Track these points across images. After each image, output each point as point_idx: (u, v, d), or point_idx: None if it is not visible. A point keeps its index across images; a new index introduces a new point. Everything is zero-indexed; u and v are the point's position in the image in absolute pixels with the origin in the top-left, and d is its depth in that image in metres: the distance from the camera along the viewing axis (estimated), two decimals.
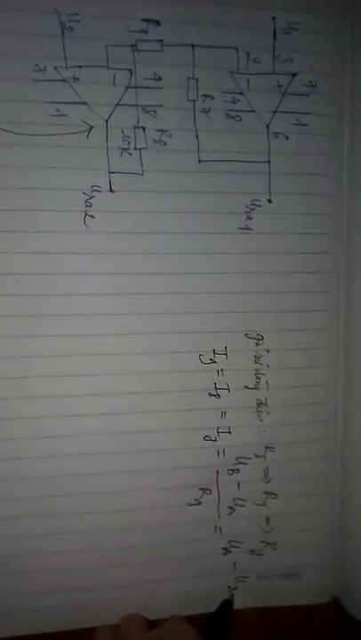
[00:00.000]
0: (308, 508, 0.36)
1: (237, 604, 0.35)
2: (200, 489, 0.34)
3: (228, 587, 0.35)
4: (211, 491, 0.34)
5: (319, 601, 0.36)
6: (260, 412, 0.34)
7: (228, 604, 0.34)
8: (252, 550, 0.35)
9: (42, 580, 0.33)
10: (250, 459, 0.35)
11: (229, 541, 0.35)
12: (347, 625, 0.35)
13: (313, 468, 0.35)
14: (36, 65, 0.30)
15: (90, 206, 0.32)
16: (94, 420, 0.33)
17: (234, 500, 0.35)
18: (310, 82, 0.32)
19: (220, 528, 0.35)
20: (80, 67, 0.31)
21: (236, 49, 0.32)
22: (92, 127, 0.31)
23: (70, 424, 0.32)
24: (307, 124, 0.33)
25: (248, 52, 0.32)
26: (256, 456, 0.35)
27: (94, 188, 0.31)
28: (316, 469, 0.35)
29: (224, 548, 0.35)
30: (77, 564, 0.33)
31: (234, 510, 0.35)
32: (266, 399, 0.34)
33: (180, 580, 0.35)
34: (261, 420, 0.34)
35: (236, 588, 0.35)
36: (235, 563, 0.35)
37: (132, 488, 0.33)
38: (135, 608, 0.34)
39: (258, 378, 0.34)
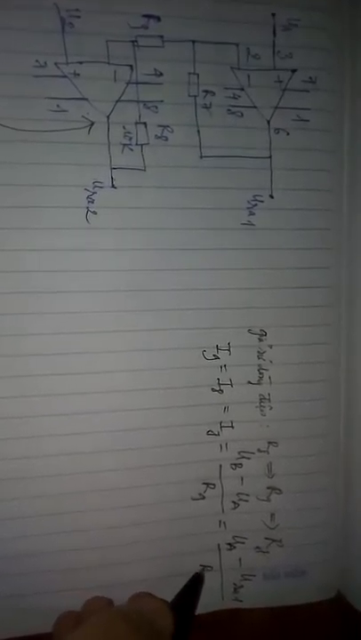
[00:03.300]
0: (312, 504, 0.34)
1: (245, 604, 0.34)
2: (204, 483, 0.33)
3: (201, 565, 0.34)
4: (214, 485, 0.33)
5: (324, 597, 0.35)
6: (263, 407, 0.33)
7: (198, 577, 0.32)
8: (257, 547, 0.34)
9: (43, 580, 0.31)
10: (253, 453, 0.33)
11: (234, 536, 0.34)
12: (352, 619, 0.34)
13: (316, 463, 0.34)
14: (37, 61, 0.29)
15: (92, 202, 0.30)
16: (97, 417, 0.31)
17: (237, 494, 0.34)
18: (310, 78, 0.31)
19: (225, 523, 0.34)
20: (81, 62, 0.29)
21: (237, 45, 0.31)
22: (93, 123, 0.30)
23: (73, 422, 0.31)
24: (307, 120, 0.32)
25: (248, 48, 0.31)
26: (259, 451, 0.33)
27: (96, 184, 0.30)
28: (320, 465, 0.34)
29: (229, 544, 0.34)
30: (80, 563, 0.32)
31: (238, 505, 0.34)
32: (269, 394, 0.33)
33: (185, 575, 0.33)
34: (264, 415, 0.33)
35: (206, 567, 0.34)
36: (240, 559, 0.34)
37: (135, 484, 0.32)
38: None
39: (261, 373, 0.33)
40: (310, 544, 0.34)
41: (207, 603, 0.34)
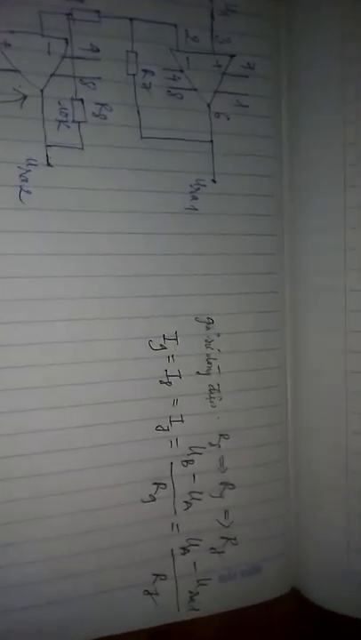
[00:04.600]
0: (265, 497, 0.33)
1: (202, 612, 0.32)
2: (154, 483, 0.30)
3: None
4: (165, 485, 0.31)
5: (279, 593, 0.33)
6: (213, 398, 0.32)
7: None
8: (212, 548, 0.32)
9: None
10: (204, 448, 0.31)
11: (188, 539, 0.31)
12: (308, 613, 0.33)
13: (268, 454, 0.33)
14: None
15: (25, 181, 0.28)
16: (33, 415, 0.28)
17: (190, 493, 0.31)
18: (248, 64, 0.31)
19: (178, 525, 0.31)
20: (12, 32, 0.27)
21: (175, 26, 0.30)
22: (25, 96, 0.27)
23: (9, 420, 0.27)
24: (247, 106, 0.31)
25: (187, 30, 0.30)
26: (210, 445, 0.32)
27: (30, 161, 0.28)
28: (271, 455, 0.33)
29: (182, 548, 0.31)
30: (19, 579, 0.28)
31: (191, 505, 0.31)
32: (218, 385, 0.32)
33: (139, 586, 0.30)
34: (214, 407, 0.32)
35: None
36: (194, 563, 0.32)
37: (79, 488, 0.29)
38: (89, 623, 0.29)
39: (209, 363, 0.31)
40: (265, 538, 0.33)
41: (162, 616, 0.31)
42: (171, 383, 0.31)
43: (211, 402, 0.32)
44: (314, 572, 0.33)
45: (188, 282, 0.31)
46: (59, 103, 0.28)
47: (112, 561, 0.30)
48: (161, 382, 0.31)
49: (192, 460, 0.31)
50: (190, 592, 0.32)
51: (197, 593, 0.32)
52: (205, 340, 0.31)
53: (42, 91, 0.28)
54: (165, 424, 0.31)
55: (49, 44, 0.28)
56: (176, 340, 0.31)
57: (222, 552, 0.32)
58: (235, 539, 0.32)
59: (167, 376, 0.31)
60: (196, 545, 0.31)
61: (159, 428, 0.31)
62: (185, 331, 0.31)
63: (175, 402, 0.31)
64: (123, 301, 0.30)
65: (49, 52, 0.28)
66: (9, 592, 0.28)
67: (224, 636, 0.31)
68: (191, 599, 0.32)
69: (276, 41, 0.31)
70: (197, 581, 0.32)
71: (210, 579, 0.32)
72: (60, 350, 0.28)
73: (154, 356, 0.30)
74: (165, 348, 0.30)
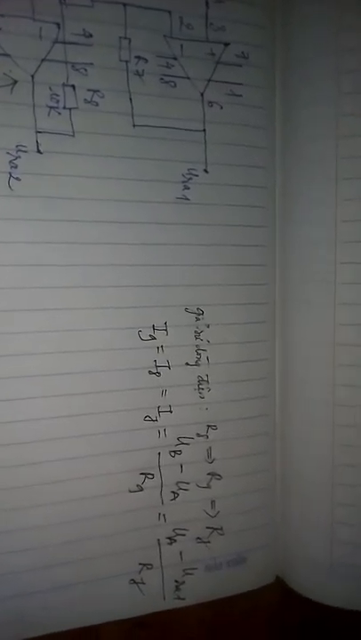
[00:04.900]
0: (251, 487, 0.33)
1: (188, 601, 0.32)
2: (141, 473, 0.30)
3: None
4: (153, 475, 0.31)
5: (264, 582, 0.34)
6: (202, 389, 0.32)
7: None
8: (198, 538, 0.32)
9: None
10: (192, 438, 0.31)
11: (174, 529, 0.31)
12: (292, 603, 0.33)
13: (255, 445, 0.33)
14: None
15: (15, 167, 0.27)
16: (20, 404, 0.28)
17: (177, 483, 0.31)
18: (243, 53, 0.31)
19: (164, 515, 0.31)
20: (2, 15, 0.27)
21: (170, 12, 0.29)
22: (15, 81, 0.27)
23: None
24: (240, 95, 0.31)
25: (181, 17, 0.29)
26: (198, 435, 0.32)
27: (20, 147, 0.27)
28: (259, 447, 0.33)
29: (169, 537, 0.31)
30: (4, 568, 0.28)
31: (178, 495, 0.31)
32: (207, 376, 0.32)
33: (125, 575, 0.30)
34: (203, 398, 0.32)
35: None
36: (181, 553, 0.32)
37: (67, 477, 0.29)
38: (75, 612, 0.29)
39: (198, 354, 0.31)
40: (251, 529, 0.33)
41: (148, 605, 0.31)
42: (160, 374, 0.31)
43: (199, 393, 0.31)
44: (299, 563, 0.33)
45: (179, 272, 0.30)
46: (50, 89, 0.28)
47: (98, 550, 0.30)
48: (150, 373, 0.30)
49: (180, 451, 0.31)
50: (176, 581, 0.32)
51: (183, 582, 0.32)
52: (195, 331, 0.31)
53: (32, 76, 0.27)
54: (154, 414, 0.31)
55: (40, 28, 0.27)
56: (165, 330, 0.31)
57: (208, 542, 0.32)
58: (221, 529, 0.32)
59: (156, 366, 0.31)
60: (183, 535, 0.32)
61: (147, 418, 0.30)
62: (175, 321, 0.31)
63: (164, 392, 0.31)
64: (112, 291, 0.29)
65: (40, 37, 0.27)
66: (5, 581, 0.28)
67: (210, 625, 0.32)
68: (177, 588, 0.32)
69: (272, 30, 0.31)
70: (183, 571, 0.32)
71: (196, 568, 0.32)
72: (48, 340, 0.28)
73: (143, 347, 0.30)
74: (155, 339, 0.30)
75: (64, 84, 0.28)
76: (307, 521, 0.33)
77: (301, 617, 0.32)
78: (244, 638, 0.31)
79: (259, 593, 0.33)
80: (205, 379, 0.32)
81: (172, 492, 0.31)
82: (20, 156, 0.27)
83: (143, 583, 0.31)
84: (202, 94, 0.30)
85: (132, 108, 0.29)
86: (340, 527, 0.32)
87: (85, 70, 0.28)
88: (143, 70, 0.29)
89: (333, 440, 0.31)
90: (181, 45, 0.30)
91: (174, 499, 0.31)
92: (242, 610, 0.32)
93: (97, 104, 0.28)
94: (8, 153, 0.27)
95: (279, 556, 0.34)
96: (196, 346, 0.31)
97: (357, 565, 0.32)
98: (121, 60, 0.29)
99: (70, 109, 0.28)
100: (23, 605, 0.28)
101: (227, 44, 0.30)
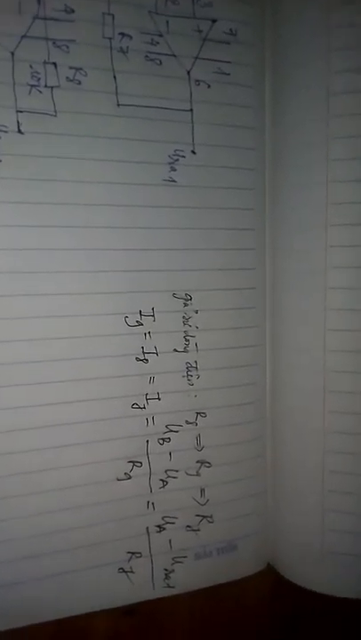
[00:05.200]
0: (242, 475, 0.32)
1: (177, 589, 0.31)
2: (129, 462, 0.30)
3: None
4: (141, 463, 0.30)
5: (255, 570, 0.33)
6: (191, 376, 0.31)
7: None
8: (188, 526, 0.32)
9: None
10: (181, 426, 0.31)
11: (163, 517, 0.31)
12: (283, 590, 0.33)
13: (245, 432, 0.32)
14: None
15: None
16: (10, 391, 0.27)
17: (166, 471, 0.31)
18: (231, 30, 0.30)
19: (153, 503, 0.31)
20: None
21: None
22: None
23: None
24: (229, 74, 0.30)
25: None
26: (187, 423, 0.31)
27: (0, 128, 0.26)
28: (248, 434, 0.32)
29: (158, 526, 0.31)
30: None
31: (166, 483, 0.31)
32: (196, 362, 0.31)
33: (113, 564, 0.30)
34: (192, 385, 0.31)
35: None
36: (170, 541, 0.31)
37: (54, 466, 0.28)
38: (63, 601, 0.28)
39: (187, 340, 0.31)
40: (241, 516, 0.33)
41: (137, 594, 0.31)
42: (147, 360, 0.30)
43: (188, 379, 0.31)
44: (289, 550, 0.33)
45: (166, 257, 0.30)
46: (30, 67, 0.27)
47: (87, 539, 0.30)
48: (137, 359, 0.30)
49: (168, 439, 0.31)
50: (166, 570, 0.31)
51: (173, 570, 0.31)
52: (183, 317, 0.31)
53: (12, 53, 0.26)
54: (142, 402, 0.30)
55: (19, 3, 0.26)
56: (153, 316, 0.30)
57: (198, 530, 0.32)
58: (211, 516, 0.32)
59: (144, 353, 0.30)
60: (172, 523, 0.31)
61: (135, 405, 0.30)
62: (162, 307, 0.30)
63: (152, 379, 0.30)
64: (97, 276, 0.29)
65: (20, 12, 0.26)
66: None
67: (199, 614, 0.31)
68: (167, 577, 0.31)
69: (261, 7, 0.30)
70: (173, 559, 0.31)
71: (185, 556, 0.32)
72: (32, 325, 0.28)
73: (130, 333, 0.30)
74: (142, 325, 0.30)
75: (45, 62, 0.27)
76: (298, 508, 0.32)
77: (293, 604, 0.32)
78: (235, 626, 0.31)
79: (250, 581, 0.33)
80: (194, 365, 0.31)
81: (161, 479, 0.31)
82: (0, 137, 0.26)
83: (132, 572, 0.31)
84: (188, 72, 0.29)
85: (116, 86, 0.28)
86: (331, 514, 0.31)
87: (67, 47, 0.27)
88: (127, 47, 0.28)
89: (325, 427, 0.31)
90: (167, 22, 0.29)
91: (163, 487, 0.31)
92: (233, 598, 0.32)
93: (79, 82, 0.28)
94: None
95: (270, 543, 0.34)
96: (185, 332, 0.31)
97: (349, 553, 0.31)
98: (104, 37, 0.28)
99: (52, 88, 0.27)
100: (10, 595, 0.28)
101: (214, 21, 0.29)
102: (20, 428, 0.28)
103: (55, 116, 0.27)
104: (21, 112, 0.27)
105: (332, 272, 0.30)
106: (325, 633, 0.30)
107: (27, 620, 0.29)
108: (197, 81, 0.30)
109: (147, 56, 0.29)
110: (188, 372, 0.31)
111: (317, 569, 0.32)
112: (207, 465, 0.32)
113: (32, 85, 0.27)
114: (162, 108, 0.29)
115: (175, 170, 0.30)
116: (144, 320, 0.30)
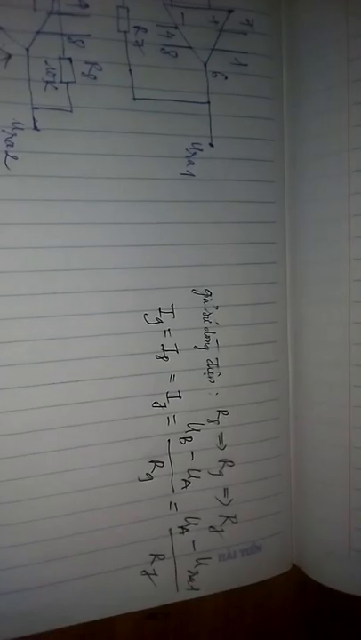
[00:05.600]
0: (265, 474, 0.32)
1: (201, 592, 0.31)
2: (151, 461, 0.29)
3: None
4: (163, 463, 0.30)
5: (280, 571, 0.33)
6: (212, 373, 0.30)
7: None
8: (211, 527, 0.31)
9: None
10: (203, 425, 0.30)
11: (186, 518, 0.30)
12: (309, 591, 0.32)
13: (268, 430, 0.32)
14: None
15: (11, 146, 0.26)
16: (25, 392, 0.27)
17: (188, 471, 0.30)
18: (247, 20, 0.29)
19: (176, 504, 0.30)
20: None
21: None
22: (10, 55, 0.26)
23: (3, 397, 0.26)
24: (246, 65, 0.29)
25: None
26: (209, 421, 0.30)
27: (15, 124, 0.26)
28: (272, 431, 0.32)
29: (181, 527, 0.30)
30: (12, 561, 0.27)
31: (189, 483, 0.30)
32: (217, 359, 0.30)
33: (136, 567, 0.30)
34: (213, 382, 0.30)
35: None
36: (193, 542, 0.31)
37: (74, 467, 0.28)
38: (86, 605, 0.28)
39: (207, 337, 0.30)
40: (265, 516, 0.32)
41: (161, 597, 0.30)
42: (167, 358, 0.29)
43: (209, 377, 0.30)
44: (315, 550, 0.32)
45: (184, 252, 0.29)
46: (45, 62, 0.26)
47: (108, 541, 0.29)
48: (157, 357, 0.29)
49: (190, 438, 0.30)
50: (189, 572, 0.31)
51: (197, 572, 0.31)
52: (203, 313, 0.30)
53: (27, 49, 0.26)
54: (162, 400, 0.30)
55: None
56: (172, 313, 0.29)
57: (222, 531, 0.31)
58: (234, 517, 0.31)
59: (163, 351, 0.29)
60: (195, 524, 0.31)
61: (156, 404, 0.29)
62: (181, 303, 0.29)
63: (172, 377, 0.30)
64: (114, 273, 0.28)
65: (34, 9, 0.26)
66: (1, 575, 0.27)
67: (224, 616, 0.31)
68: (190, 579, 0.31)
69: None
70: (197, 561, 0.31)
71: (209, 558, 0.31)
72: (50, 325, 0.27)
73: (149, 330, 0.29)
74: (161, 322, 0.29)
75: (60, 58, 0.27)
76: (324, 507, 0.31)
77: (319, 605, 0.31)
78: (261, 629, 0.30)
79: (275, 582, 0.32)
80: (215, 362, 0.30)
81: (183, 479, 0.30)
82: (15, 134, 0.26)
83: (155, 574, 0.30)
84: (205, 64, 0.29)
85: (132, 80, 0.28)
86: (358, 512, 0.30)
87: (82, 42, 0.27)
88: (143, 41, 0.28)
89: (350, 422, 0.30)
90: (182, 13, 0.28)
91: (185, 487, 0.30)
92: (258, 599, 0.31)
93: (95, 77, 0.27)
94: (4, 130, 0.26)
95: (295, 543, 0.33)
96: (205, 328, 0.30)
97: None
98: (119, 31, 0.27)
99: (67, 83, 0.27)
100: (34, 599, 0.28)
101: (230, 11, 0.29)
102: (41, 428, 0.27)
103: (71, 111, 0.27)
104: (37, 109, 0.26)
105: (357, 263, 0.29)
106: (353, 635, 0.29)
107: (50, 625, 0.28)
108: (214, 72, 0.29)
109: (162, 49, 0.28)
110: (209, 370, 0.30)
111: (344, 569, 0.31)
112: (230, 464, 0.31)
113: (47, 81, 0.26)
114: (179, 100, 0.29)
115: (193, 163, 0.29)
116: (163, 317, 0.29)
